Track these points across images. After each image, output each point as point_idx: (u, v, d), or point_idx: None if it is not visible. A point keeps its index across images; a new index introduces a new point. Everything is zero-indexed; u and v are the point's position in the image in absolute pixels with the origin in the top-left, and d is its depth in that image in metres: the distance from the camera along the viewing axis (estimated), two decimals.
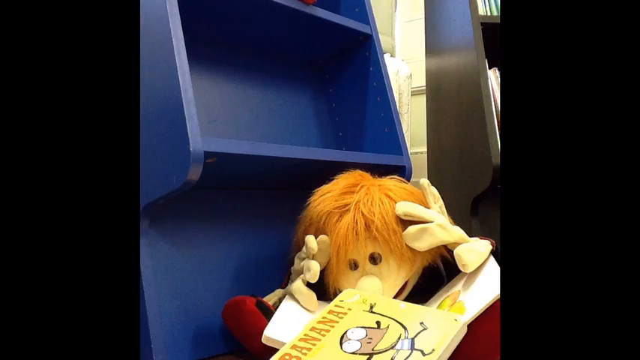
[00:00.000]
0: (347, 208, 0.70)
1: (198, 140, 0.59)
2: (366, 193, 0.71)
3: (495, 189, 1.13)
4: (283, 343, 0.60)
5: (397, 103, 1.73)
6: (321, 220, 0.72)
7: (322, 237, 0.70)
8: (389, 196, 0.70)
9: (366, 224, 0.69)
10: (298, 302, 0.71)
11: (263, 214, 0.86)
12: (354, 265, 0.70)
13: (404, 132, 0.96)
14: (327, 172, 0.83)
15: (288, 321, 0.66)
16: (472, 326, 0.58)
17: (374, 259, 0.70)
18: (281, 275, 0.84)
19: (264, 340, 0.61)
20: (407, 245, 0.68)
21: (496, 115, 1.14)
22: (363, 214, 0.69)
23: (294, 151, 0.71)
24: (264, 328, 0.63)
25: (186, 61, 0.62)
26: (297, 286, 0.70)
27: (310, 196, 0.75)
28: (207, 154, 0.61)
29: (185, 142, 0.59)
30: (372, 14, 0.98)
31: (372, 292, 0.68)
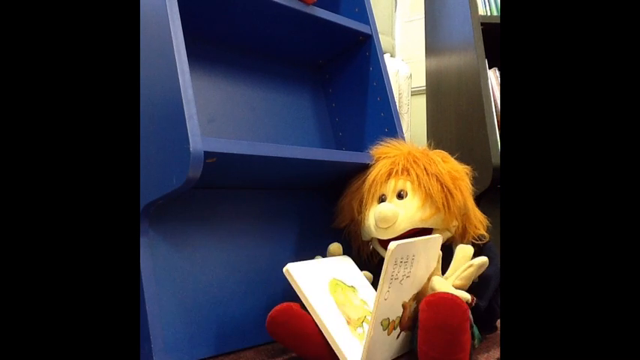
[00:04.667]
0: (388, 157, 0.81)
1: (198, 140, 0.59)
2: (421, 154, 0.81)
3: (495, 189, 1.13)
4: (297, 284, 0.66)
5: (397, 103, 1.73)
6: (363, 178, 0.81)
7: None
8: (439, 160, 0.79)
9: (404, 167, 0.77)
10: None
11: (263, 214, 0.86)
12: (382, 200, 0.78)
13: (404, 132, 0.96)
14: (327, 172, 0.83)
15: (314, 272, 0.70)
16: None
17: (400, 196, 0.77)
18: (280, 274, 0.84)
19: (285, 271, 0.67)
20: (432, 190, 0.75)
21: (496, 115, 1.14)
22: (406, 156, 0.78)
23: (294, 151, 0.71)
24: (314, 332, 0.64)
25: (187, 61, 0.62)
26: None
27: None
28: (207, 154, 0.61)
29: (185, 142, 0.59)
30: (372, 14, 0.98)
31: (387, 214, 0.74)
